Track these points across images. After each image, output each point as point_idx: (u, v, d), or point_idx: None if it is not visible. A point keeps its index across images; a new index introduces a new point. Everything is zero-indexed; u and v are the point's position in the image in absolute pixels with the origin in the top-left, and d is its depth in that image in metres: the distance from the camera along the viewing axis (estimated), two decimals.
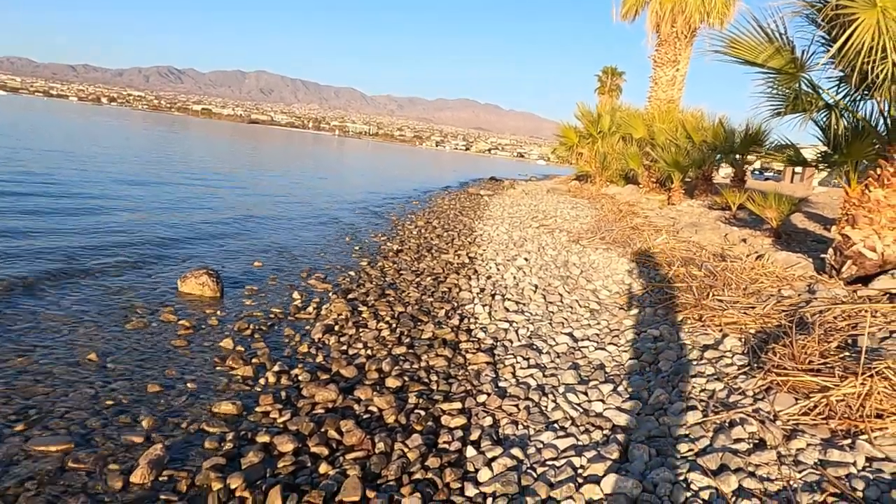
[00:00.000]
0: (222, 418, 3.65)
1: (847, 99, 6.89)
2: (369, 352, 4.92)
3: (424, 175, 40.55)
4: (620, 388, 3.95)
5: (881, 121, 6.32)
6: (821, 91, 7.17)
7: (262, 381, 4.25)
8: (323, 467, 3.12)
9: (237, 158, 32.63)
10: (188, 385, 4.07)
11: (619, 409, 3.64)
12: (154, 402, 3.79)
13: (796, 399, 3.40)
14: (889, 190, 5.55)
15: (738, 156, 13.35)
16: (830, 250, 5.97)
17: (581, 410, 3.67)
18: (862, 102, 6.99)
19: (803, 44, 7.17)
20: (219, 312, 5.71)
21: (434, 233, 11.73)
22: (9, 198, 10.41)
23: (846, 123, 7.59)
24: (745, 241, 8.64)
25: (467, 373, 4.49)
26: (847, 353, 3.67)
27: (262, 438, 3.41)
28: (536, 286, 6.93)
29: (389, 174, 35.59)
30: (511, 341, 5.18)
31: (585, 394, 3.92)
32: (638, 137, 18.85)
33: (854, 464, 2.78)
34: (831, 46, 6.76)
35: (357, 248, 9.73)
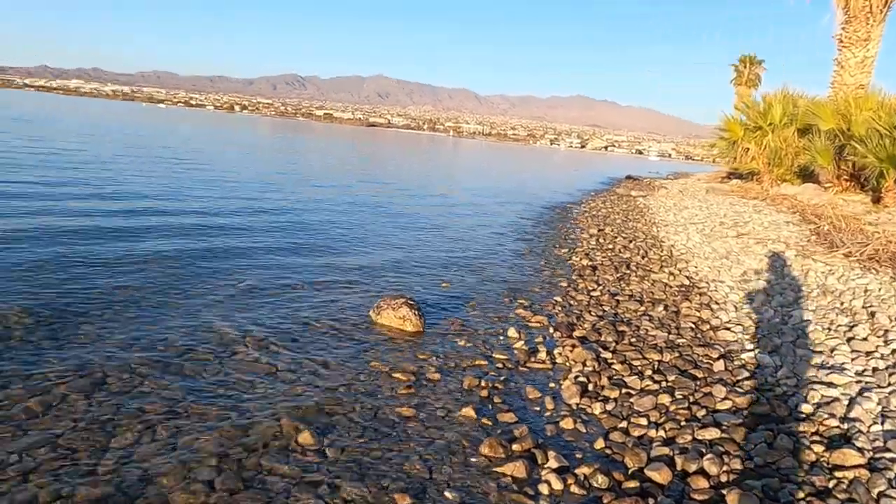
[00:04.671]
0: None
1: None
2: (662, 433, 3.48)
3: (554, 175, 38.67)
4: None
5: None
6: None
7: (542, 488, 2.91)
8: None
9: (369, 163, 32.44)
10: (446, 496, 2.80)
11: None
12: None
13: None
14: None
15: None
16: None
17: None
18: None
19: None
20: (433, 359, 4.49)
21: (617, 243, 10.12)
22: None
23: None
24: None
25: (841, 484, 2.94)
26: None
27: None
28: (828, 327, 5.20)
29: (519, 175, 34.04)
30: (862, 422, 3.56)
31: None
32: (825, 129, 16.22)
33: None
34: None
35: (543, 262, 8.34)
